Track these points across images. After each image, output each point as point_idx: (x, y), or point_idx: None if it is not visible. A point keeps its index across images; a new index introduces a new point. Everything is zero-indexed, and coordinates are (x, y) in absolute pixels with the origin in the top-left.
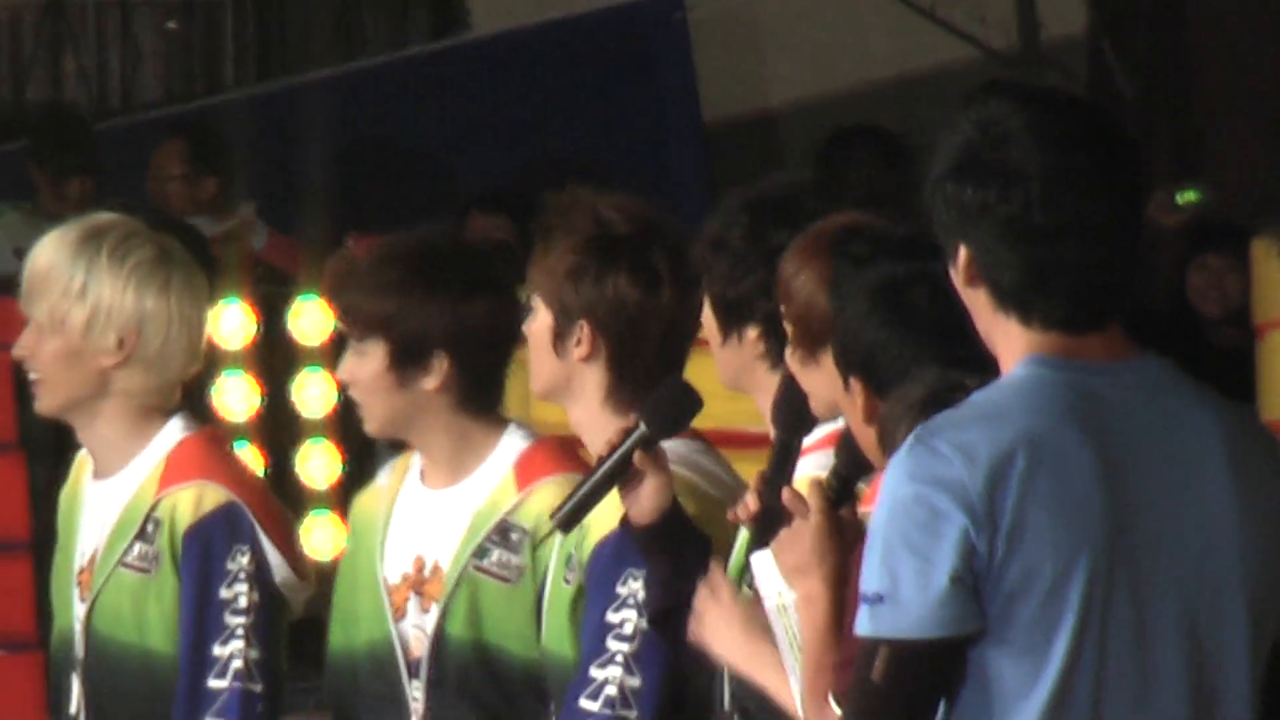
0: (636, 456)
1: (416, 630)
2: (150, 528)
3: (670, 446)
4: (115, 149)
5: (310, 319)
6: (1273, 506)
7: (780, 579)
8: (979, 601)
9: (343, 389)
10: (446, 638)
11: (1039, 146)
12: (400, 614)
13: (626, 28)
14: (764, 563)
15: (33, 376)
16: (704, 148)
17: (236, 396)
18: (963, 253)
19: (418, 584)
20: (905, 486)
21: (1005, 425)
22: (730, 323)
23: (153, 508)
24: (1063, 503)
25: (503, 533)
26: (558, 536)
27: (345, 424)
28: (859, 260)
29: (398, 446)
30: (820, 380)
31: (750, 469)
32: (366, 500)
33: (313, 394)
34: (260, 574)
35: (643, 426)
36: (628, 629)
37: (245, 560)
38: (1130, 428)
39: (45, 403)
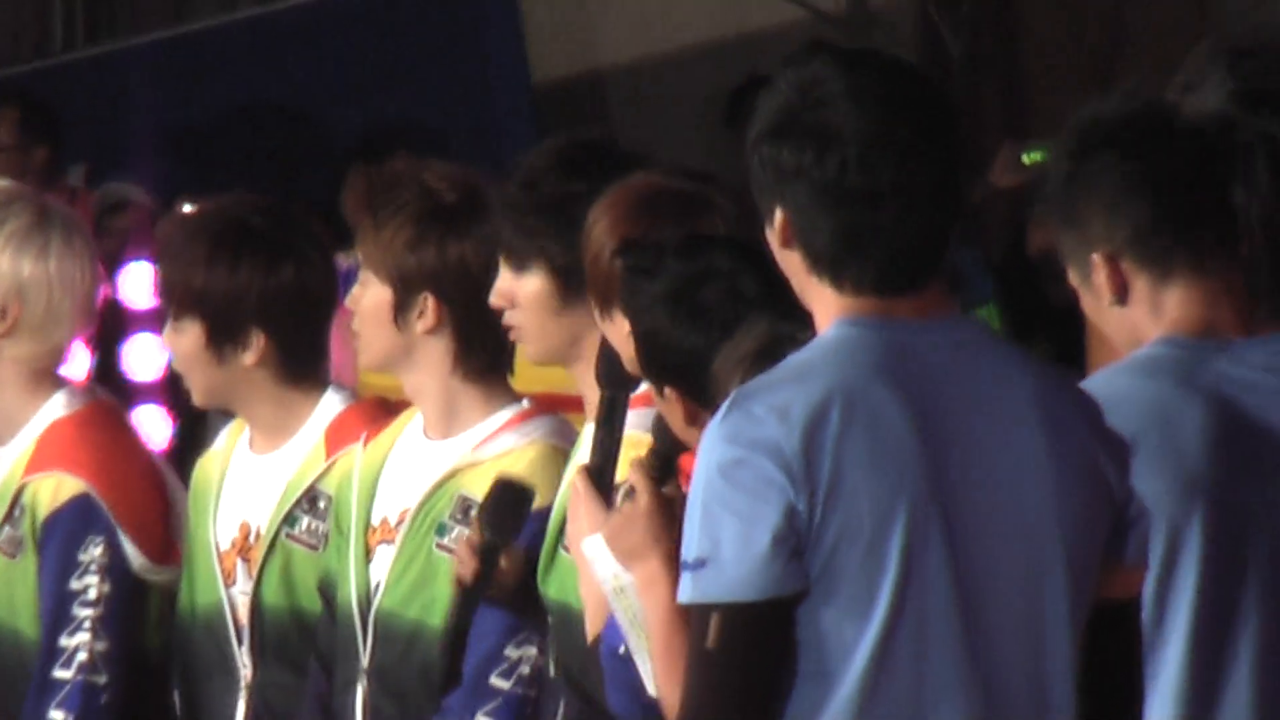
0: (499, 565)
1: (244, 596)
2: (16, 513)
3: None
4: None
5: (140, 283)
6: (1085, 465)
7: (614, 562)
8: (801, 560)
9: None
10: (263, 605)
11: (857, 110)
12: (230, 580)
13: None
14: (597, 547)
15: None
16: (532, 109)
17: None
18: (778, 215)
19: (244, 550)
20: (723, 450)
21: (817, 383)
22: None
23: (18, 493)
24: (877, 457)
25: (311, 500)
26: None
27: (176, 388)
28: (645, 270)
29: (229, 412)
30: (618, 338)
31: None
32: (206, 464)
33: (142, 358)
34: (114, 565)
35: (489, 535)
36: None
37: (97, 551)
38: (944, 384)
39: None
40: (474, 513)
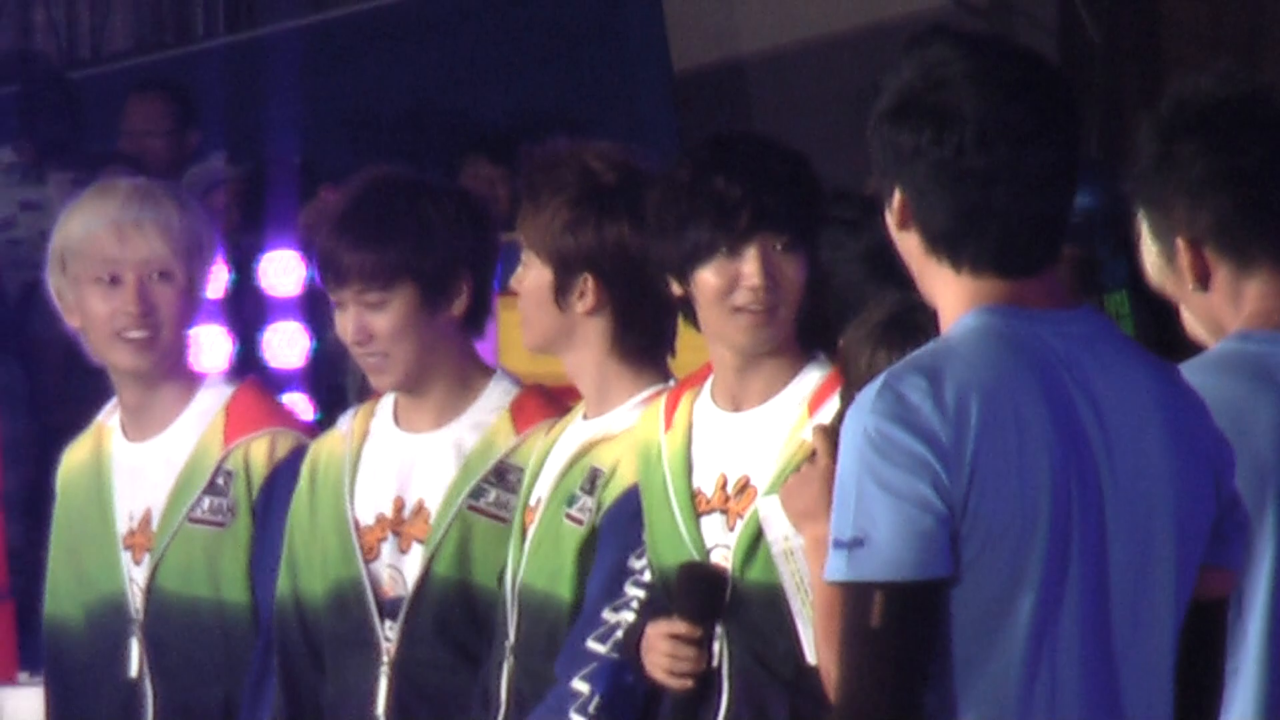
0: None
1: (391, 570)
2: (221, 480)
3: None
4: (86, 100)
5: (282, 270)
6: (1201, 465)
7: (787, 523)
8: (956, 545)
9: (314, 340)
10: (433, 577)
11: (976, 92)
12: (372, 554)
13: None
14: (771, 507)
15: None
16: (673, 98)
17: (209, 348)
18: (897, 195)
19: (396, 525)
20: (877, 427)
21: (966, 372)
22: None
23: (221, 461)
24: (1025, 450)
25: (500, 474)
26: (546, 472)
27: (317, 375)
28: (850, 224)
29: (367, 396)
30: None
31: None
32: (327, 445)
33: (284, 345)
34: None
35: (701, 626)
36: (647, 576)
37: None
38: (1078, 377)
39: None
40: (673, 605)
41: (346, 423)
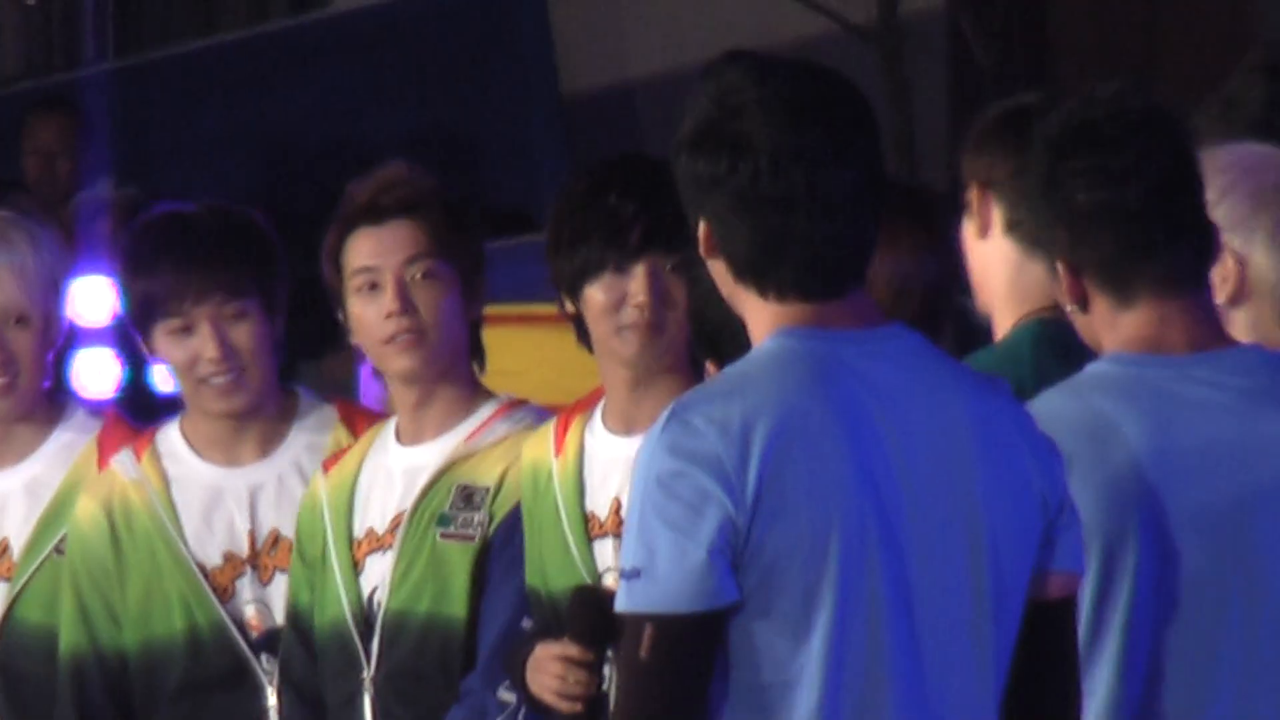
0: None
1: (257, 605)
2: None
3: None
4: None
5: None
6: (1016, 474)
7: None
8: (737, 574)
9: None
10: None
11: (769, 119)
12: (228, 595)
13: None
14: None
15: None
16: (563, 120)
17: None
18: (701, 225)
19: (252, 559)
20: (662, 461)
21: (756, 397)
22: None
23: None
24: (816, 473)
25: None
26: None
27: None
28: None
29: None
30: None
31: None
32: (118, 492)
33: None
34: None
35: (594, 649)
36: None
37: None
38: (879, 397)
39: None
40: (566, 628)
41: (132, 468)
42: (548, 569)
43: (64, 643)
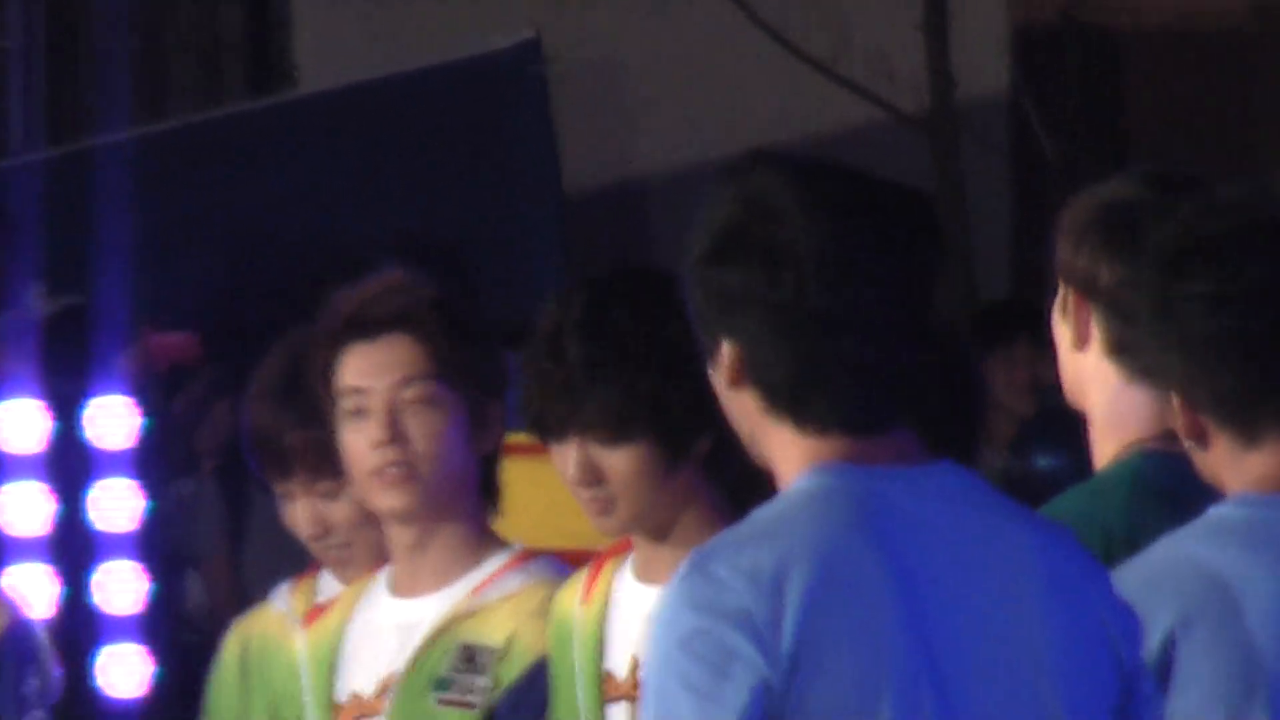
0: None
1: None
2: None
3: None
4: None
5: (111, 419)
6: (1092, 633)
7: None
8: None
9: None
10: None
11: (812, 223)
12: None
13: (477, 83)
14: None
15: None
16: (561, 215)
17: (25, 508)
18: (725, 348)
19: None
20: (683, 618)
21: (790, 542)
22: None
23: None
24: (861, 627)
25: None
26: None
27: (149, 540)
28: None
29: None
30: None
31: None
32: (258, 629)
33: (113, 505)
34: None
35: None
36: None
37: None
38: (931, 541)
39: None
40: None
41: (284, 601)
42: None
43: None
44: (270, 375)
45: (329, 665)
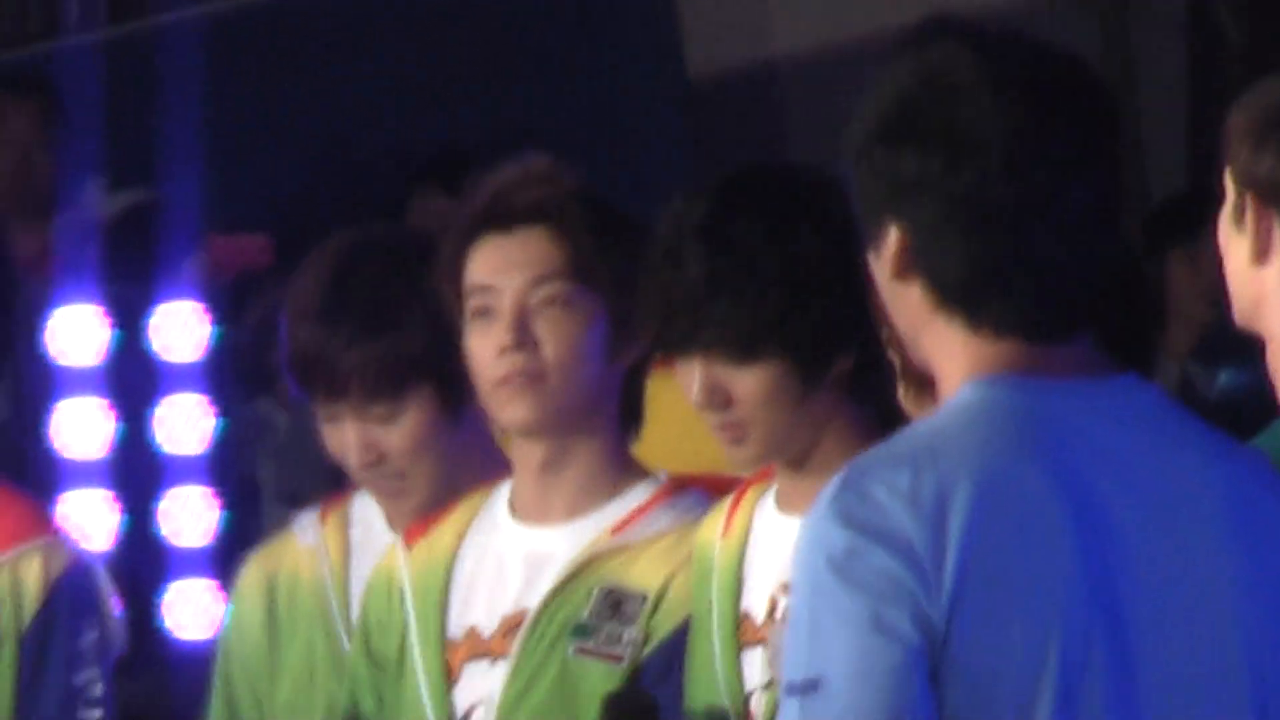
0: None
1: None
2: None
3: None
4: None
5: (179, 330)
6: None
7: None
8: (936, 683)
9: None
10: None
11: (1000, 105)
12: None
13: None
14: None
15: None
16: (685, 105)
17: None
18: (894, 236)
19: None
20: (835, 538)
21: (952, 462)
22: None
23: None
24: (1030, 564)
25: None
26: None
27: (222, 463)
28: None
29: (286, 496)
30: None
31: None
32: (287, 566)
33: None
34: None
35: None
36: None
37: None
38: (1109, 468)
39: None
40: None
41: (313, 534)
42: (692, 687)
43: None
44: (314, 287)
45: (440, 595)
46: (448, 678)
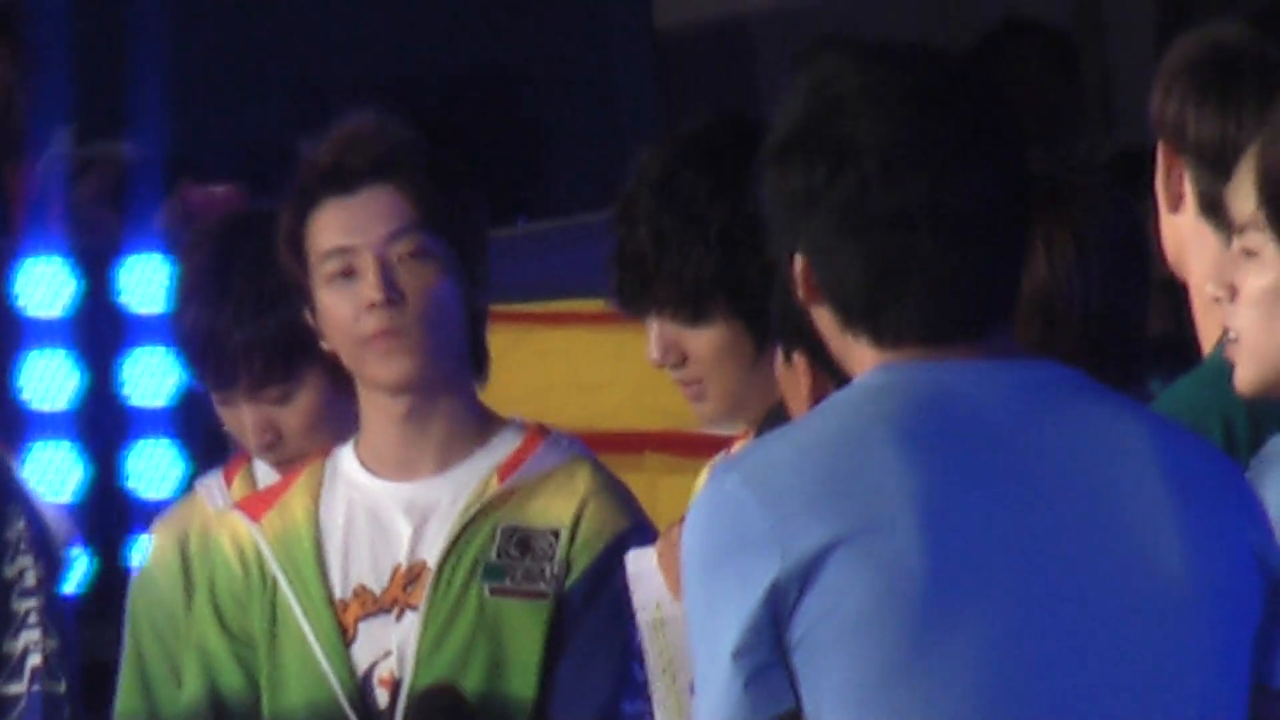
0: None
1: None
2: None
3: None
4: None
5: (146, 282)
6: (1226, 538)
7: (663, 587)
8: (782, 671)
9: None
10: None
11: (879, 114)
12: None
13: None
14: (644, 565)
15: None
16: (654, 55)
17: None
18: (798, 261)
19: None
20: (695, 537)
21: (806, 442)
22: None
23: None
24: (877, 537)
25: None
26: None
27: (188, 417)
28: None
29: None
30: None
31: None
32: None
33: (147, 377)
34: None
35: None
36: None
37: None
38: (1010, 432)
39: None
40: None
41: (220, 496)
42: None
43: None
44: (196, 270)
45: (312, 557)
46: (344, 637)
